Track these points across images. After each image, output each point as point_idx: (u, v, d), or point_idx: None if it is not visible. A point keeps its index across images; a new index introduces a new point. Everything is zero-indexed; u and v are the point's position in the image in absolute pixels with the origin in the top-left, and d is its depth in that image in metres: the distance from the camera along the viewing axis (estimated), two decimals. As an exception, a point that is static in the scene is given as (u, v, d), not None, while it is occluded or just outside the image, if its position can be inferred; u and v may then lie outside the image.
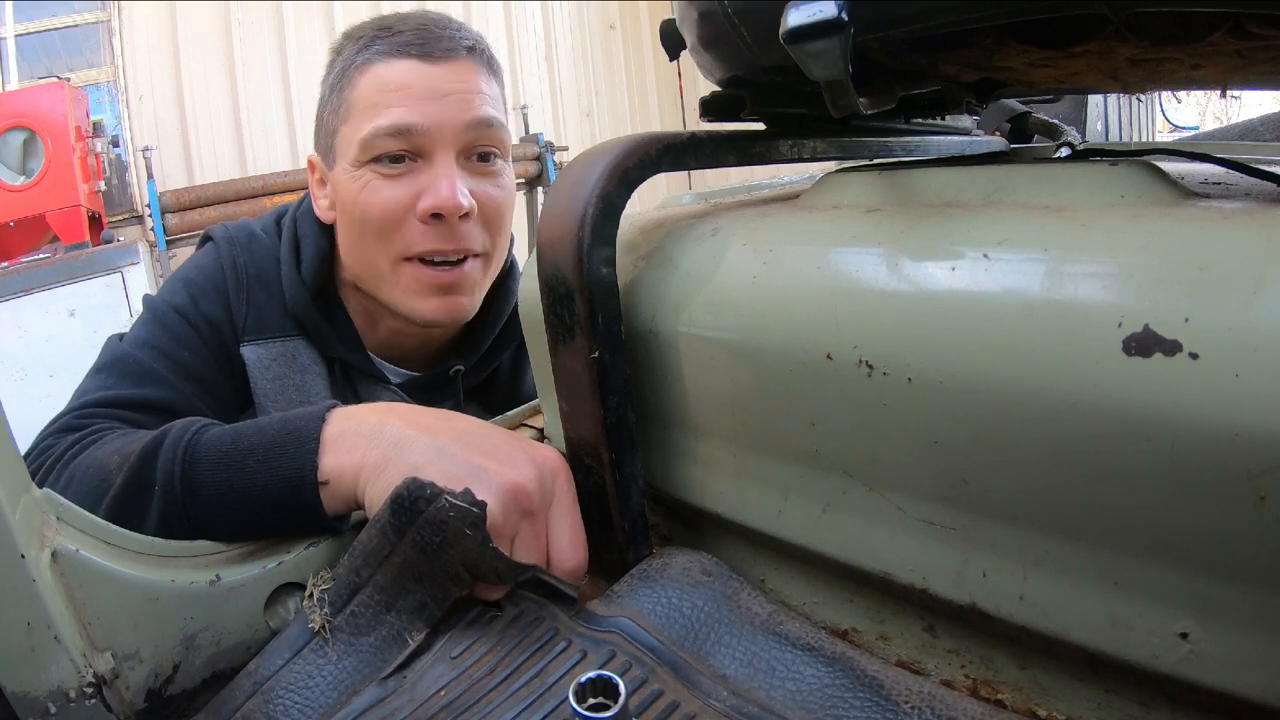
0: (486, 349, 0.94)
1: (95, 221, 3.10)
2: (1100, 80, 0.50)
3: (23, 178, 2.85)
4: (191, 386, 0.79)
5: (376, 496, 0.45)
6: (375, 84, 0.78)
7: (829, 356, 0.38)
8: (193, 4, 3.68)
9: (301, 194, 0.93)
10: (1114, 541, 0.31)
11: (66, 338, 2.51)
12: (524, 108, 4.78)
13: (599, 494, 0.48)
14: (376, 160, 0.78)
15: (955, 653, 0.39)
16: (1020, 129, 0.87)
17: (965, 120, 0.76)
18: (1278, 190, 0.40)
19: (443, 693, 0.40)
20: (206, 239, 0.92)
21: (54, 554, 0.40)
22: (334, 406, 0.50)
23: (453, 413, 0.51)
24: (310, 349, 0.87)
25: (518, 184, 4.31)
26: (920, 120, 0.68)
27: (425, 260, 0.80)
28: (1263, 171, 0.43)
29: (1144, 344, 0.29)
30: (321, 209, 0.87)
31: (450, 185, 0.77)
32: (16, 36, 3.42)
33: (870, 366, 0.37)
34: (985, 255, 0.35)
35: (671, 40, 0.57)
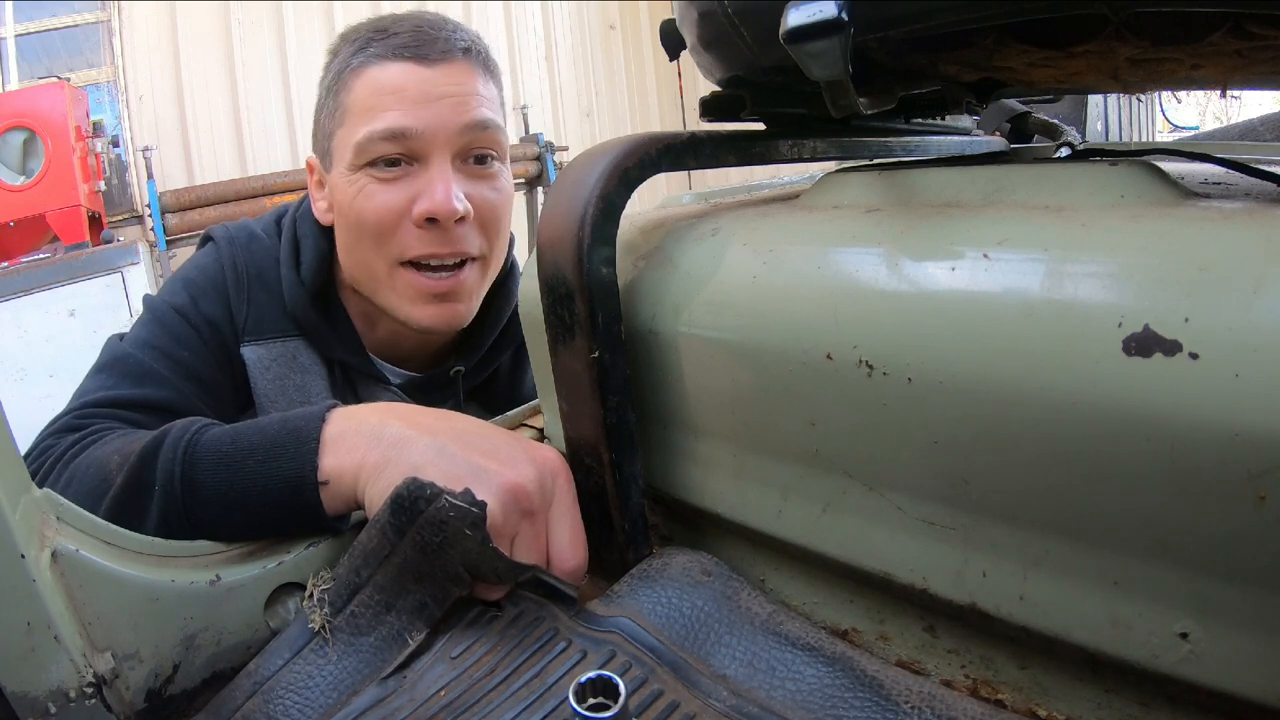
0: (487, 350, 0.94)
1: (95, 221, 3.10)
2: (1100, 80, 0.50)
3: (23, 178, 2.85)
4: (192, 387, 0.79)
5: (376, 496, 0.45)
6: (370, 87, 0.77)
7: (829, 356, 0.38)
8: (193, 4, 3.68)
9: (301, 194, 0.93)
10: (1114, 541, 0.31)
11: (66, 338, 2.51)
12: (524, 108, 4.78)
13: (599, 494, 0.48)
14: (372, 164, 0.78)
15: (955, 653, 0.39)
16: (1020, 129, 0.87)
17: (965, 120, 0.76)
18: (1278, 190, 0.40)
19: (443, 693, 0.40)
20: (207, 239, 0.92)
21: (54, 554, 0.40)
22: (334, 407, 0.50)
23: (453, 413, 0.51)
24: (310, 349, 0.87)
25: (518, 184, 4.31)
26: (920, 120, 0.68)
27: (422, 265, 0.80)
28: (1263, 171, 0.43)
29: (1144, 344, 0.29)
30: (320, 211, 0.87)
31: (445, 189, 0.77)
32: (16, 36, 3.42)
33: (870, 366, 0.37)
34: (985, 255, 0.35)
35: (671, 40, 0.57)
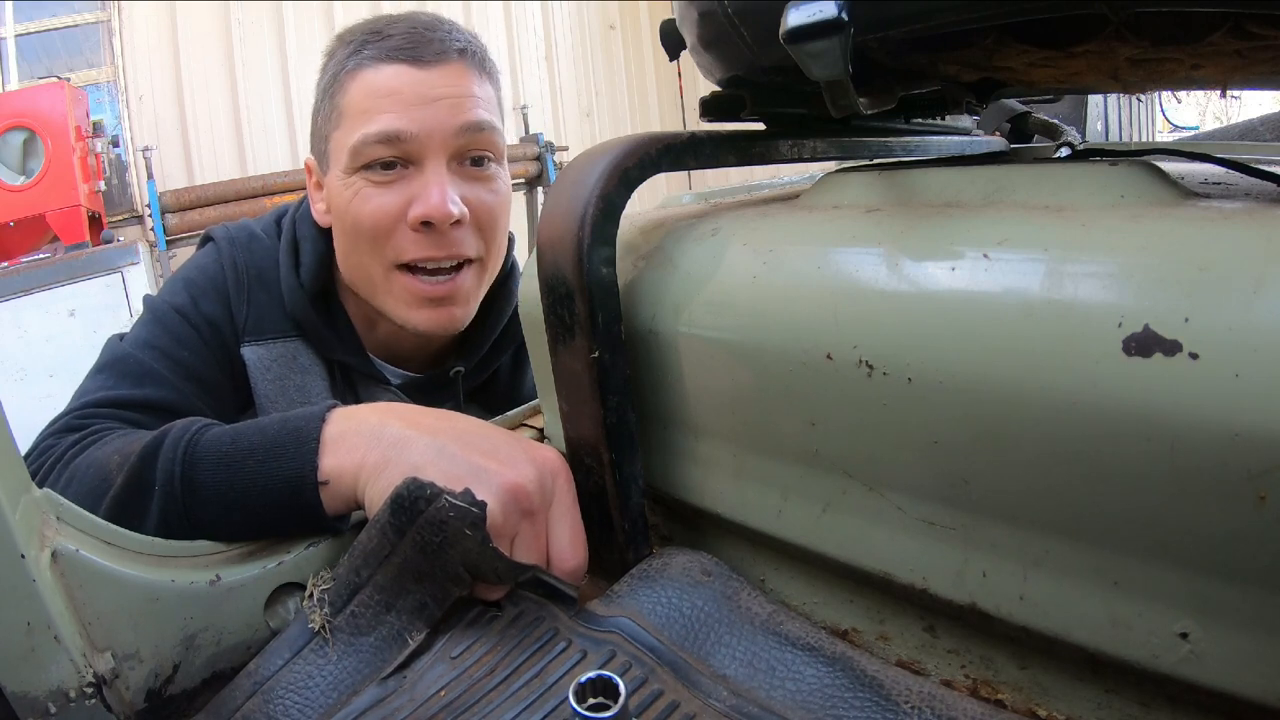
0: (487, 350, 0.94)
1: (95, 221, 3.10)
2: (1100, 80, 0.50)
3: (23, 178, 2.85)
4: (192, 387, 0.79)
5: (376, 496, 0.45)
6: (365, 90, 0.77)
7: (829, 356, 0.38)
8: (193, 4, 3.68)
9: (301, 194, 0.93)
10: (1114, 541, 0.31)
11: (66, 338, 2.51)
12: (524, 108, 4.78)
13: (599, 494, 0.48)
14: (367, 167, 0.77)
15: (955, 653, 0.39)
16: (1020, 129, 0.87)
17: (965, 120, 0.76)
18: (1278, 190, 0.40)
19: (443, 693, 0.40)
20: (207, 239, 0.92)
21: (54, 554, 0.40)
22: (334, 407, 0.50)
23: (453, 413, 0.51)
24: (310, 350, 0.87)
25: (518, 184, 4.31)
26: (920, 120, 0.68)
27: (418, 269, 0.79)
28: (1263, 171, 0.43)
29: (1144, 344, 0.29)
30: (319, 213, 0.87)
31: (440, 192, 0.76)
32: (16, 36, 3.42)
33: (870, 366, 0.37)
34: (985, 255, 0.35)
35: (671, 40, 0.57)
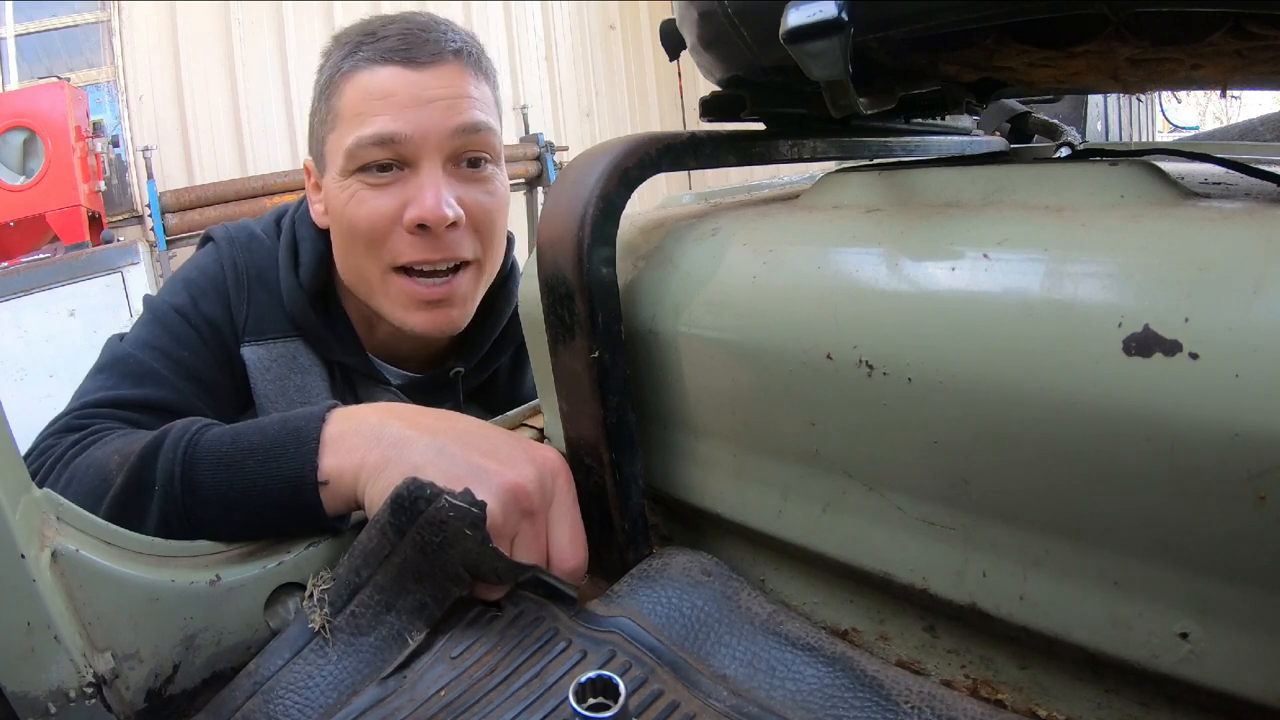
0: (487, 351, 0.94)
1: (95, 221, 3.10)
2: (1100, 80, 0.50)
3: (23, 178, 2.85)
4: (192, 387, 0.79)
5: (376, 496, 0.45)
6: (360, 92, 0.77)
7: (829, 356, 0.38)
8: (193, 4, 3.68)
9: (301, 194, 0.93)
10: (1114, 541, 0.31)
11: (66, 338, 2.51)
12: (524, 108, 4.78)
13: (599, 494, 0.48)
14: (363, 170, 0.77)
15: (955, 653, 0.39)
16: (1020, 129, 0.87)
17: (965, 120, 0.76)
18: (1278, 190, 0.40)
19: (443, 693, 0.40)
20: (207, 239, 0.92)
21: (54, 554, 0.40)
22: (334, 407, 0.50)
23: (453, 413, 0.51)
24: (310, 350, 0.87)
25: (518, 184, 4.31)
26: (920, 120, 0.68)
27: (414, 271, 0.79)
28: (1263, 171, 0.43)
29: (1144, 344, 0.29)
30: (317, 214, 0.87)
31: (436, 195, 0.76)
32: (16, 36, 3.42)
33: (870, 366, 0.37)
34: (985, 255, 0.35)
35: (671, 40, 0.57)
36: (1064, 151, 0.74)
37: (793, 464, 0.42)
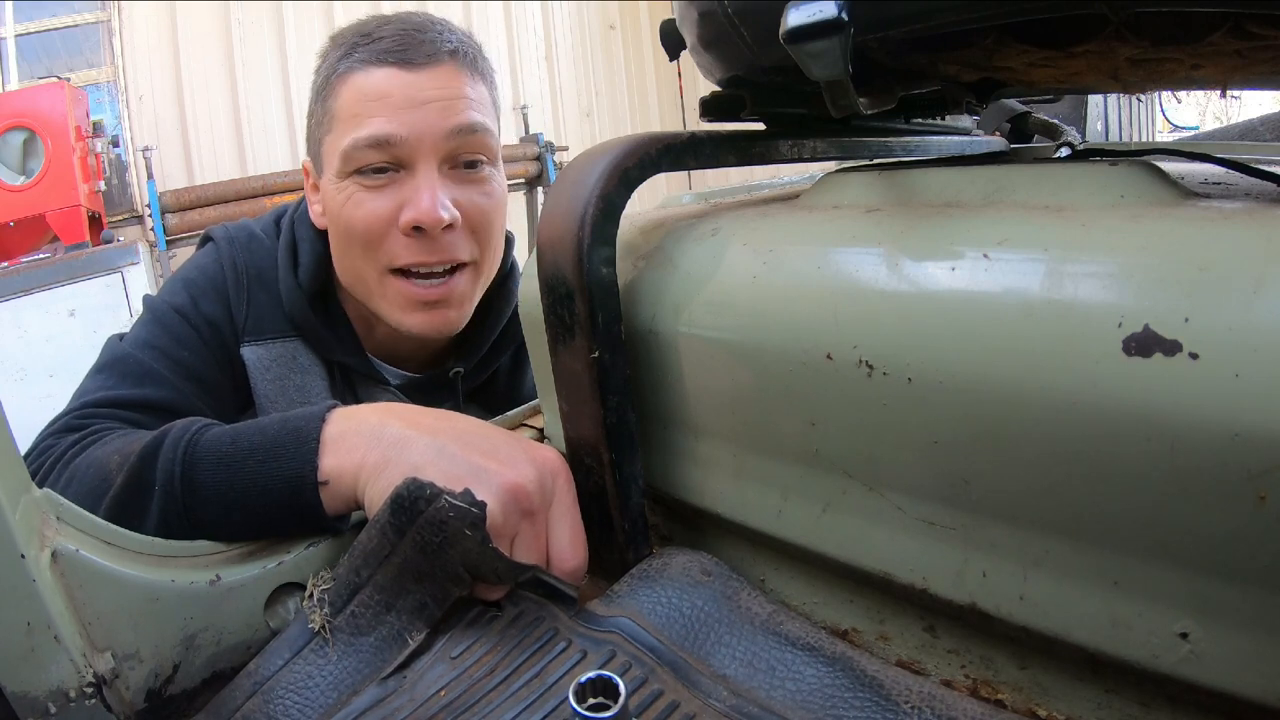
0: (486, 351, 0.94)
1: (95, 221, 3.10)
2: (1100, 80, 0.50)
3: (23, 178, 2.85)
4: (192, 387, 0.79)
5: (376, 496, 0.45)
6: (355, 94, 0.76)
7: (829, 356, 0.38)
8: (193, 4, 3.68)
9: (301, 194, 0.93)
10: (1114, 541, 0.31)
11: (66, 338, 2.51)
12: (524, 108, 4.78)
13: (599, 494, 0.48)
14: (359, 172, 0.77)
15: (955, 653, 0.39)
16: (1020, 129, 0.87)
17: (965, 120, 0.76)
18: (1278, 190, 0.40)
19: (443, 693, 0.40)
20: (206, 239, 0.92)
21: (54, 554, 0.40)
22: (334, 407, 0.50)
23: (453, 413, 0.51)
24: (310, 350, 0.87)
25: (518, 184, 4.31)
26: (920, 120, 0.68)
27: (411, 273, 0.79)
28: (1263, 171, 0.43)
29: (1144, 344, 0.29)
30: (315, 215, 0.86)
31: (431, 197, 0.76)
32: (16, 36, 3.42)
33: (870, 366, 0.37)
34: (985, 255, 0.35)
35: (671, 40, 0.57)
36: (1064, 151, 0.74)
37: (793, 464, 0.42)
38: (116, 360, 0.78)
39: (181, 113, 3.72)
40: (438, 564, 0.43)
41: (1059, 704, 0.35)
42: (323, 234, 0.86)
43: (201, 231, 0.95)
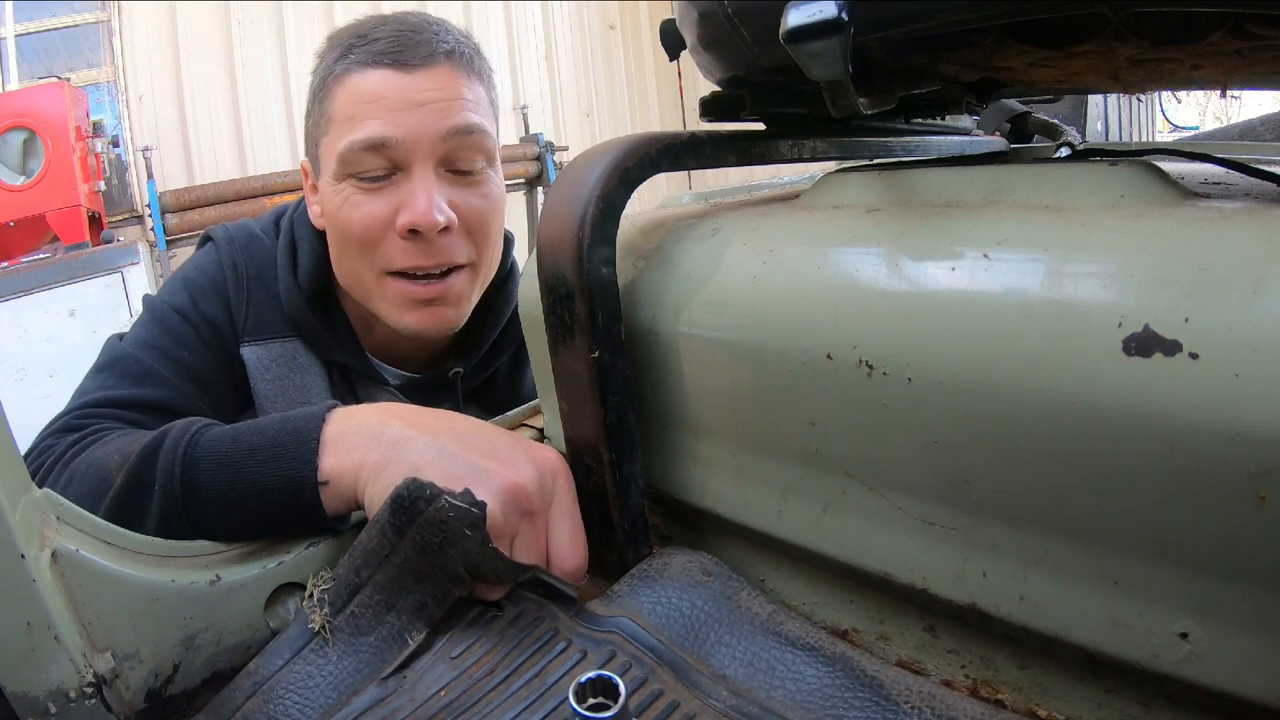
0: (486, 351, 0.94)
1: (95, 221, 3.10)
2: (1100, 80, 0.50)
3: (23, 178, 2.85)
4: (192, 387, 0.79)
5: (376, 496, 0.45)
6: (351, 96, 0.76)
7: (829, 356, 0.38)
8: (193, 4, 3.68)
9: (301, 194, 0.93)
10: (1114, 541, 0.31)
11: (66, 338, 2.51)
12: (524, 108, 4.78)
13: (599, 494, 0.48)
14: (356, 174, 0.77)
15: (955, 653, 0.39)
16: (1020, 129, 0.87)
17: (965, 120, 0.76)
18: (1278, 190, 0.40)
19: (443, 693, 0.40)
20: (206, 239, 0.92)
21: (54, 554, 0.40)
22: (334, 407, 0.50)
23: (453, 413, 0.51)
24: (309, 350, 0.87)
25: (518, 184, 4.31)
26: (920, 120, 0.68)
27: (408, 274, 0.79)
28: (1263, 171, 0.43)
29: (1144, 344, 0.29)
30: (314, 215, 0.86)
31: (427, 200, 0.75)
32: (16, 36, 3.42)
33: (870, 366, 0.37)
34: (985, 255, 0.35)
35: (671, 40, 0.57)
36: (1064, 151, 0.74)
37: (793, 464, 0.42)
38: (116, 360, 0.78)
39: (181, 113, 3.72)
40: (438, 564, 0.43)
41: (1059, 704, 0.35)
42: (322, 234, 0.86)
43: (201, 231, 0.95)
